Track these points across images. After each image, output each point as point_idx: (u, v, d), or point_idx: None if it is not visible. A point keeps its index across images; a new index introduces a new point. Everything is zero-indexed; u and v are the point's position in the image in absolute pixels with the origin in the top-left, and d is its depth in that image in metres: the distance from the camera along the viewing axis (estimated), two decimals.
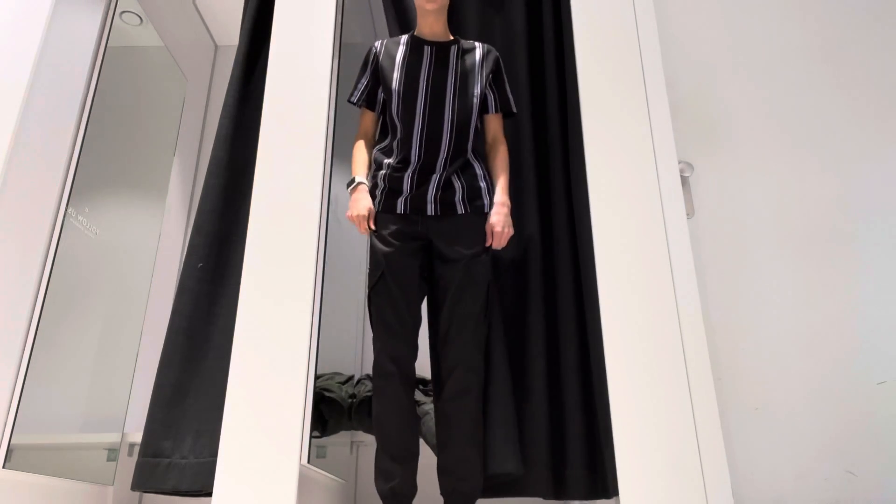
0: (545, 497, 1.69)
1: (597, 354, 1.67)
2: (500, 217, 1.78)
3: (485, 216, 1.82)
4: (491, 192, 1.85)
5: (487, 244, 1.80)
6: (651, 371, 1.49)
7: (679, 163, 1.99)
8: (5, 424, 1.76)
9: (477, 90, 1.87)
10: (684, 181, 2.28)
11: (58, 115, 2.02)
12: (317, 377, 1.76)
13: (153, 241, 2.58)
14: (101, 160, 2.23)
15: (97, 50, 2.22)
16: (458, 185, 1.81)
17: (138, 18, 2.50)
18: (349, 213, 1.79)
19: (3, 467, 1.72)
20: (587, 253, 1.76)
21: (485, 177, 1.86)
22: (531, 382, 1.78)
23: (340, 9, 2.11)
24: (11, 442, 1.76)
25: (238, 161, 2.04)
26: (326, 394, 2.17)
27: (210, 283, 1.90)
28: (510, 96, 1.96)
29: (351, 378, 2.40)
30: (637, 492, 1.40)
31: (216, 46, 3.30)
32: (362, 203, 1.78)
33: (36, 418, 1.87)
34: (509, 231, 1.79)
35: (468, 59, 1.91)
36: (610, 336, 1.53)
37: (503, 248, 1.92)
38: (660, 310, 1.54)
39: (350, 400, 2.25)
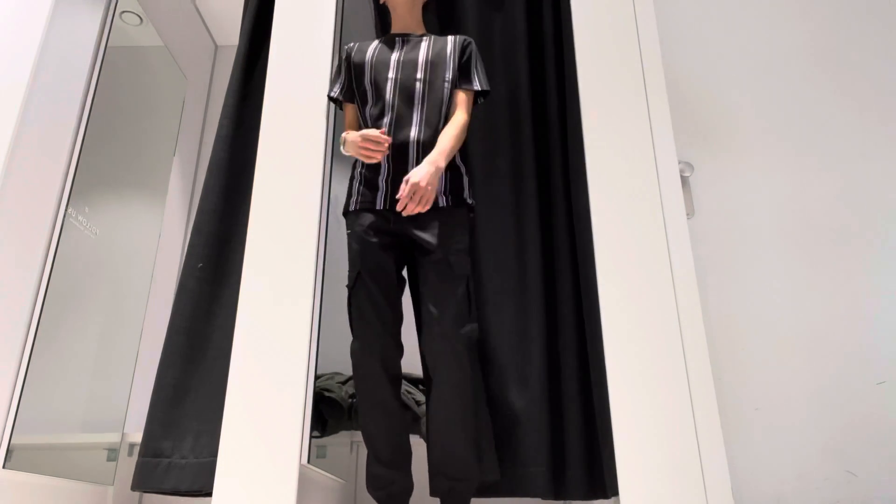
0: (544, 497, 1.68)
1: (596, 354, 1.67)
2: (422, 171, 1.65)
3: (465, 208, 1.80)
4: (471, 185, 1.84)
5: (399, 197, 1.66)
6: (651, 371, 1.49)
7: (679, 163, 1.99)
8: (5, 424, 1.76)
9: (447, 76, 1.86)
10: (684, 181, 2.28)
11: (58, 115, 2.02)
12: (317, 377, 1.76)
13: (153, 241, 2.58)
14: (101, 160, 2.23)
15: (97, 50, 2.22)
16: (440, 179, 1.77)
17: (138, 18, 2.50)
18: (354, 147, 1.71)
19: (3, 467, 1.72)
20: (587, 252, 1.76)
21: (465, 172, 1.84)
22: (530, 382, 1.78)
23: (340, 9, 2.11)
24: (11, 442, 1.76)
25: (238, 161, 2.04)
26: (326, 394, 2.17)
27: (210, 283, 1.90)
28: (479, 74, 1.87)
29: (351, 378, 2.40)
30: (637, 492, 1.40)
31: (216, 46, 3.29)
32: (353, 135, 1.72)
33: (36, 418, 1.87)
34: (428, 191, 1.64)
35: (439, 48, 1.89)
36: (610, 336, 1.53)
37: (486, 241, 1.89)
38: (660, 310, 1.54)
39: (350, 400, 2.25)
